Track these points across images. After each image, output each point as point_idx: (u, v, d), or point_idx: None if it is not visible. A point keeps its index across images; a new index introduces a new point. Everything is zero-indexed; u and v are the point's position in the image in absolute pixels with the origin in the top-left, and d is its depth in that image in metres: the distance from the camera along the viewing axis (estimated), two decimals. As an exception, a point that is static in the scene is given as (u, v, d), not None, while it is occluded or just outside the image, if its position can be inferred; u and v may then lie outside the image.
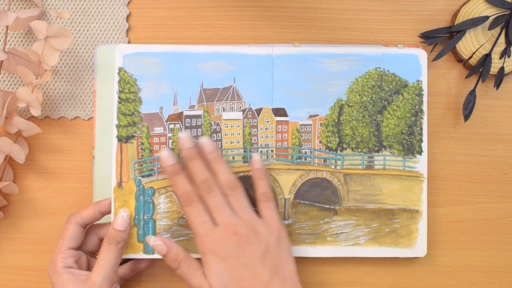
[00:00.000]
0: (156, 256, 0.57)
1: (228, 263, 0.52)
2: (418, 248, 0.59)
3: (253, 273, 0.52)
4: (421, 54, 0.59)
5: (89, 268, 0.57)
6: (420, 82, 0.59)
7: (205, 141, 0.56)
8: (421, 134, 0.59)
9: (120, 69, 0.57)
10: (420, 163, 0.59)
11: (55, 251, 0.55)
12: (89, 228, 0.58)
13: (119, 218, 0.55)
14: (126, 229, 0.55)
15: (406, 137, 0.59)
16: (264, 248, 0.53)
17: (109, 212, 0.57)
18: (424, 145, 0.59)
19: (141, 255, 0.57)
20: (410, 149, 0.59)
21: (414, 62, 0.59)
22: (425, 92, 0.59)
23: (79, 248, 0.57)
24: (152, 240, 0.55)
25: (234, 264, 0.52)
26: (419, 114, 0.59)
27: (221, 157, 0.56)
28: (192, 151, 0.55)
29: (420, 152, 0.59)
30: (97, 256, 0.55)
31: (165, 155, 0.55)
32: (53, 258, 0.55)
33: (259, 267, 0.52)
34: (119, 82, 0.57)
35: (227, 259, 0.52)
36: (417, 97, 0.59)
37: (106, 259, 0.54)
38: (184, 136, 0.56)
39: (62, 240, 0.55)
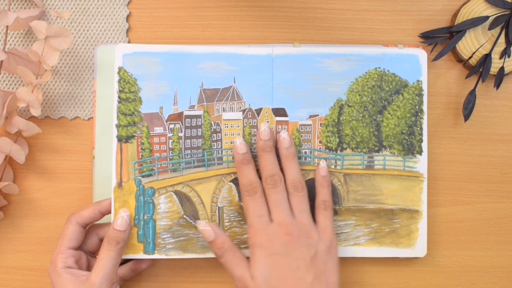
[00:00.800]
0: (156, 256, 0.57)
1: (275, 260, 0.53)
2: (418, 248, 0.59)
3: (297, 275, 0.53)
4: (421, 54, 0.59)
5: (89, 268, 0.57)
6: (420, 82, 0.59)
7: (284, 135, 0.56)
8: (421, 134, 0.59)
9: (120, 69, 0.57)
10: (420, 163, 0.59)
11: (55, 251, 0.55)
12: (89, 228, 0.58)
13: (119, 219, 0.55)
14: (126, 229, 0.55)
15: (406, 137, 0.59)
16: (313, 253, 0.54)
17: (109, 212, 0.57)
18: (424, 145, 0.59)
19: (141, 255, 0.57)
20: (410, 149, 0.59)
21: (414, 62, 0.59)
22: (425, 92, 0.59)
23: (79, 248, 0.57)
24: (202, 225, 0.55)
25: (280, 262, 0.53)
26: (419, 114, 0.59)
27: (295, 154, 0.57)
28: (268, 143, 0.56)
29: (420, 152, 0.59)
30: (97, 256, 0.55)
31: (239, 143, 0.56)
32: (53, 258, 0.55)
33: (304, 270, 0.53)
34: (119, 81, 0.57)
35: (274, 256, 0.53)
36: (417, 97, 0.59)
37: (106, 259, 0.54)
38: (264, 128, 0.56)
39: (62, 240, 0.55)
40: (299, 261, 0.53)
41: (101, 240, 0.57)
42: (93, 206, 0.57)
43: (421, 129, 0.59)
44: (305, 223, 0.55)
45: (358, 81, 0.59)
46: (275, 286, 0.52)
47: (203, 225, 0.55)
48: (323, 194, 0.57)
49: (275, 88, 0.58)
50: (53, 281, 0.54)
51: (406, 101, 0.59)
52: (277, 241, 0.53)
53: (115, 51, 0.57)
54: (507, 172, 0.62)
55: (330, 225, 0.56)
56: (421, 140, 0.59)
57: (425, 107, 0.59)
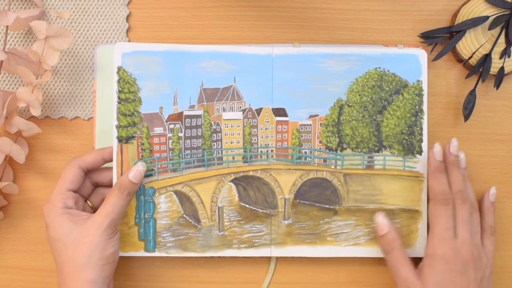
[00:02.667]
0: (157, 254, 0.58)
1: (453, 276, 0.54)
2: (418, 248, 0.59)
3: None
4: (421, 54, 0.59)
5: (84, 211, 0.56)
6: (420, 82, 0.59)
7: (463, 156, 0.58)
8: (421, 134, 0.59)
9: (119, 68, 0.57)
10: (420, 163, 0.59)
11: (53, 192, 0.55)
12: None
13: (135, 171, 0.55)
14: (139, 182, 0.56)
15: (406, 137, 0.59)
16: (482, 276, 0.55)
17: (112, 160, 0.57)
18: (424, 145, 0.59)
19: (142, 253, 0.58)
20: (410, 149, 0.59)
21: (414, 62, 0.59)
22: (425, 92, 0.59)
23: (76, 192, 0.56)
24: (379, 217, 0.57)
25: (457, 279, 0.54)
26: (419, 114, 0.59)
27: (467, 176, 0.58)
28: (456, 159, 0.57)
29: (420, 152, 0.59)
30: (105, 200, 0.54)
31: (437, 150, 0.57)
32: (51, 198, 0.55)
33: None
34: (119, 81, 0.57)
35: (454, 272, 0.54)
36: (417, 97, 0.59)
37: (115, 205, 0.54)
38: (456, 143, 0.57)
39: (62, 182, 0.55)
40: (471, 282, 0.54)
41: (93, 185, 0.58)
42: (96, 152, 0.57)
43: (421, 129, 0.59)
44: (479, 245, 0.56)
45: (358, 81, 0.59)
46: None
47: (380, 218, 0.57)
48: (489, 219, 0.58)
49: (275, 88, 0.58)
50: (49, 222, 0.54)
51: (406, 101, 0.59)
52: (460, 258, 0.54)
53: (114, 50, 0.57)
54: (507, 172, 0.62)
55: (493, 251, 0.57)
56: (421, 140, 0.59)
57: (425, 107, 0.59)
